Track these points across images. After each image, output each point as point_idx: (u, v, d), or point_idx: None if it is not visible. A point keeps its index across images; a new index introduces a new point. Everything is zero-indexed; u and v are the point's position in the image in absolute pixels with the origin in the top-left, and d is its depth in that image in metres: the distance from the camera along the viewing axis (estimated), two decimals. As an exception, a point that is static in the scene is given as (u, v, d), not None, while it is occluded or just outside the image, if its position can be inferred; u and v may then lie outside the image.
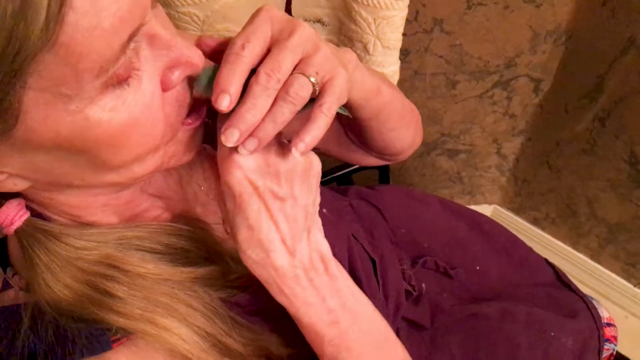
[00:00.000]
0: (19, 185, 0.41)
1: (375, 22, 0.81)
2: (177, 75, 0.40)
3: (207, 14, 0.79)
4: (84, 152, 0.38)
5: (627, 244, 1.36)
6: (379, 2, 0.79)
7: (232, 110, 0.41)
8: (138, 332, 0.45)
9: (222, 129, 0.40)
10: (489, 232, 0.91)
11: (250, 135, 0.41)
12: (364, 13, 0.81)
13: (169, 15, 0.78)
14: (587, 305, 0.83)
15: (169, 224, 0.51)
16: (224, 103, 0.39)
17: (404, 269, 0.80)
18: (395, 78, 0.91)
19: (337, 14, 0.85)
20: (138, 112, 0.38)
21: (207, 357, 0.47)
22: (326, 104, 0.42)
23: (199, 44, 0.44)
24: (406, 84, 1.17)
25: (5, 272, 0.50)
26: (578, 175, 1.33)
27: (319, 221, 0.49)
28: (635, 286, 1.43)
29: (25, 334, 0.44)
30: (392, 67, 0.88)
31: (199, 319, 0.47)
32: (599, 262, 1.47)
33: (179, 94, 0.42)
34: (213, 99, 0.40)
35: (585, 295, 0.86)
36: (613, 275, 1.46)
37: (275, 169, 0.44)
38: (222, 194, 0.46)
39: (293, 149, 0.41)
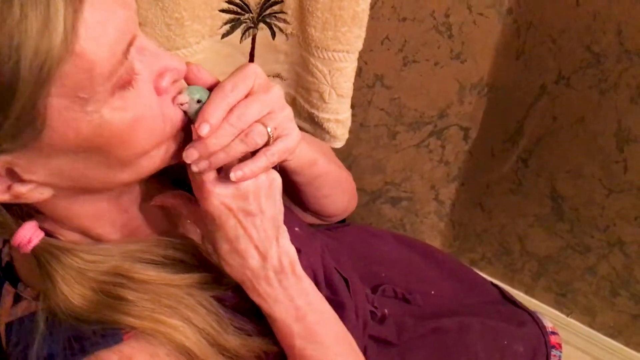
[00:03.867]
0: (44, 194, 0.46)
1: (330, 73, 0.91)
2: (167, 80, 0.48)
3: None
4: (100, 150, 0.44)
5: (556, 275, 1.45)
6: (333, 56, 0.90)
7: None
8: (148, 330, 0.50)
9: (187, 147, 0.48)
10: (439, 260, 1.00)
11: (205, 158, 0.48)
12: (319, 65, 0.91)
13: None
14: (532, 316, 0.93)
15: (164, 238, 0.57)
16: (204, 130, 0.47)
17: (367, 293, 0.87)
18: (348, 124, 1.00)
19: (295, 68, 0.95)
20: (141, 110, 0.45)
21: (207, 353, 0.52)
22: (270, 151, 0.51)
23: (193, 70, 0.51)
24: (352, 136, 1.25)
25: (16, 288, 0.53)
26: (508, 214, 1.42)
27: (285, 230, 0.57)
28: (567, 316, 1.51)
29: (42, 336, 0.48)
30: (345, 114, 0.98)
31: (198, 319, 0.53)
32: (533, 296, 1.54)
33: (174, 97, 0.49)
34: (196, 124, 0.47)
35: (528, 308, 0.95)
36: (547, 307, 1.52)
37: (245, 191, 0.51)
38: (199, 217, 0.54)
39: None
